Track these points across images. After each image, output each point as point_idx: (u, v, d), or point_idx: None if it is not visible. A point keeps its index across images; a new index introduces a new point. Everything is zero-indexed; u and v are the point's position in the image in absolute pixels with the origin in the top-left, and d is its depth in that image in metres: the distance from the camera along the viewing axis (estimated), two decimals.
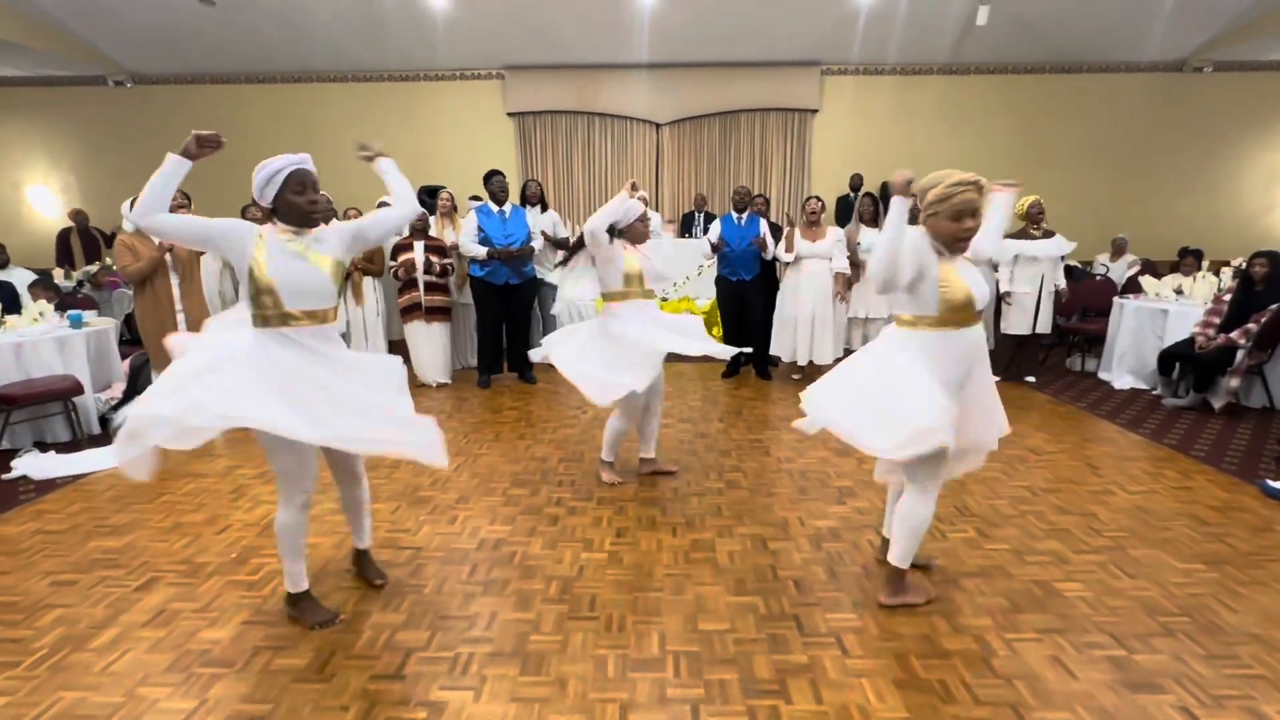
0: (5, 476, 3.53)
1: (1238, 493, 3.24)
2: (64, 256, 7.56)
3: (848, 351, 5.63)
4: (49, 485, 3.44)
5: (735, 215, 5.37)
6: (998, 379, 5.32)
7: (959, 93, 8.73)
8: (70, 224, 7.75)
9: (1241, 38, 7.92)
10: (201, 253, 4.23)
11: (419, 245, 5.19)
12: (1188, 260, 5.83)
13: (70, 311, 4.44)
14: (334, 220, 5.81)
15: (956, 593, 2.39)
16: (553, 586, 2.45)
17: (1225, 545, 2.73)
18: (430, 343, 5.33)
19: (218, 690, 1.92)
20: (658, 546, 2.75)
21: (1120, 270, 7.40)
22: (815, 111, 8.81)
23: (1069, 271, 6.85)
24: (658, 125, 8.90)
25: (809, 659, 2.04)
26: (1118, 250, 7.69)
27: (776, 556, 2.66)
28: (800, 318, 5.21)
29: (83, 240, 7.65)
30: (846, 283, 5.24)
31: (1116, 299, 5.58)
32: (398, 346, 5.64)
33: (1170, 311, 4.98)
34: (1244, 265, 4.55)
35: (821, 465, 3.63)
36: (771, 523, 2.96)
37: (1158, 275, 6.03)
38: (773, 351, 5.52)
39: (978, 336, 2.19)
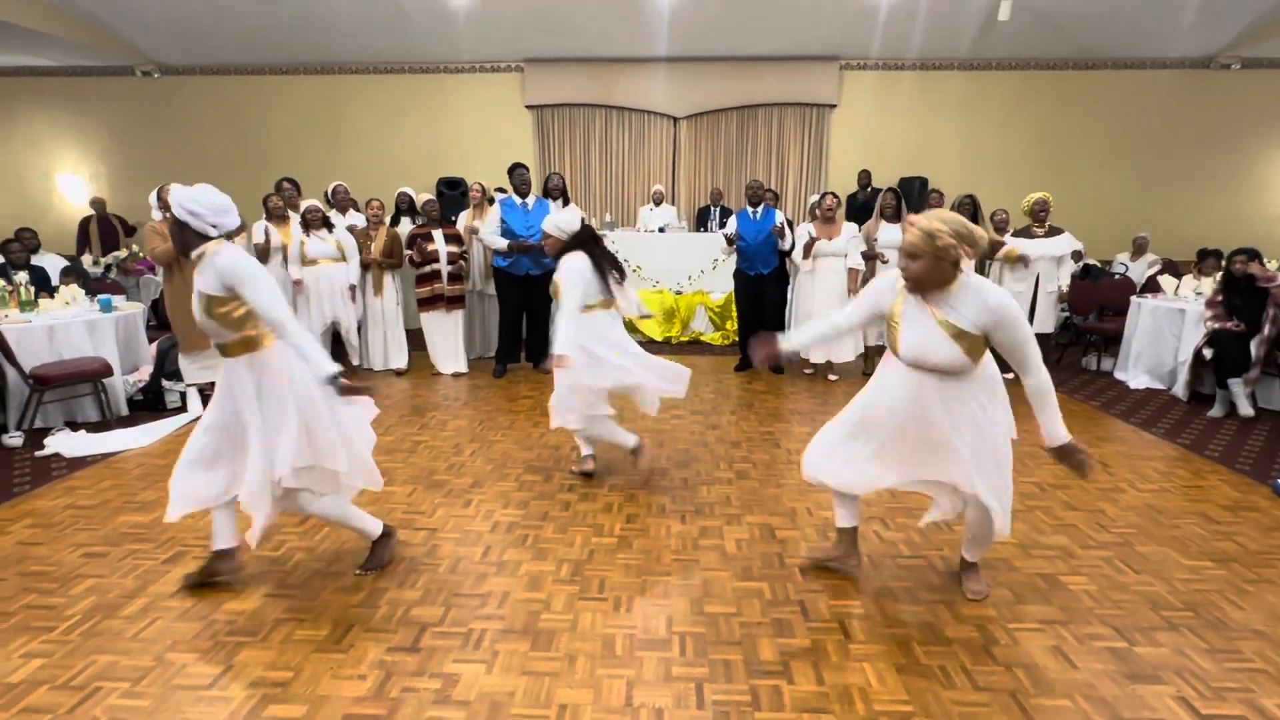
0: (38, 454, 3.66)
1: (1250, 493, 3.23)
2: (83, 243, 7.73)
3: (869, 349, 5.65)
4: (80, 462, 3.56)
5: (750, 210, 5.40)
6: (1009, 377, 5.37)
7: (980, 88, 8.65)
8: (91, 212, 7.94)
9: (1271, 34, 7.77)
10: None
11: (438, 234, 5.26)
12: (1208, 261, 5.74)
13: (100, 296, 4.57)
14: (350, 210, 5.95)
15: (960, 583, 2.42)
16: (564, 568, 2.51)
17: (1234, 544, 2.73)
18: (448, 332, 5.42)
19: (243, 657, 2.00)
20: (667, 533, 2.80)
21: (1140, 269, 7.32)
22: (833, 106, 8.78)
23: (1087, 270, 6.81)
24: (675, 119, 8.91)
25: (812, 642, 2.08)
26: (1139, 249, 7.60)
27: (784, 545, 2.70)
28: (817, 315, 5.23)
29: (101, 228, 7.83)
30: (859, 279, 5.26)
31: (1134, 298, 5.53)
32: (415, 336, 5.75)
33: (1187, 311, 4.93)
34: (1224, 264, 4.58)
35: None
36: (780, 512, 3.00)
37: (1179, 275, 5.97)
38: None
39: (920, 380, 2.10)
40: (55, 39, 7.63)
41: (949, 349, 2.01)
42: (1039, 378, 2.02)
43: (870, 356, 5.58)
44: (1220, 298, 4.61)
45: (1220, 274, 4.67)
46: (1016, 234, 5.34)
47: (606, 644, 2.08)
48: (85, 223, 7.88)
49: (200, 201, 2.11)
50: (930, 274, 1.97)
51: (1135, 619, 2.22)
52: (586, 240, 3.14)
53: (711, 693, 1.87)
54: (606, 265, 3.12)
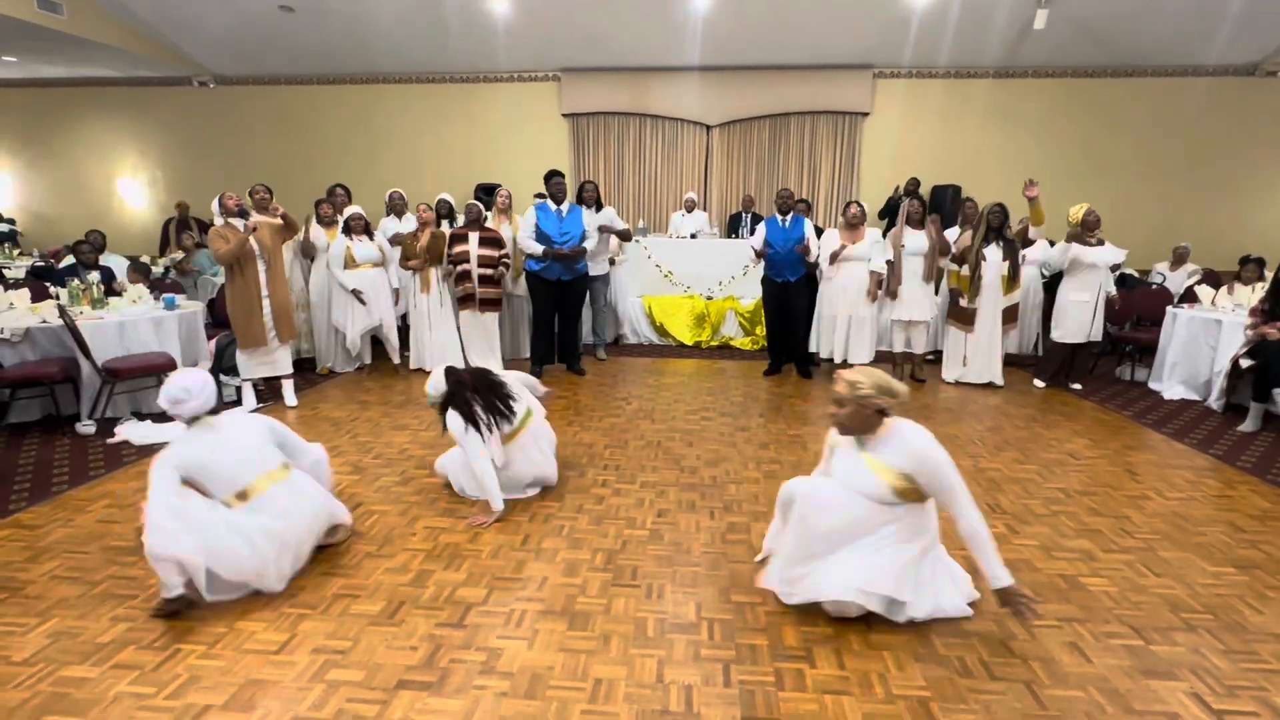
0: (109, 441, 3.93)
1: None
2: (166, 245, 8.19)
3: (884, 352, 5.72)
4: (147, 449, 3.82)
5: (779, 218, 5.50)
6: (1042, 385, 5.38)
7: (1015, 96, 8.62)
8: (174, 214, 8.39)
9: None
10: (284, 240, 4.61)
11: (473, 236, 5.44)
12: (1248, 268, 5.65)
13: (165, 295, 4.86)
14: (406, 215, 6.19)
15: (980, 581, 2.47)
16: (598, 557, 2.66)
17: (1260, 552, 2.76)
18: (482, 333, 5.59)
19: (305, 627, 2.18)
20: (696, 527, 2.93)
21: (1179, 279, 7.22)
22: (866, 115, 8.82)
23: (1123, 279, 6.75)
24: (708, 127, 9.05)
25: (834, 631, 2.19)
26: (1179, 259, 7.49)
27: None
28: (839, 317, 5.32)
29: (183, 230, 8.27)
30: (879, 282, 5.33)
31: (1170, 308, 5.49)
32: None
33: (1224, 322, 4.89)
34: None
35: None
36: None
37: (1218, 285, 5.89)
38: (812, 349, 5.64)
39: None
40: (120, 51, 8.08)
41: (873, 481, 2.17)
42: (969, 521, 2.08)
43: (899, 363, 5.63)
44: (1265, 306, 4.53)
45: (1271, 281, 4.56)
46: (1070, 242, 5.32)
47: (639, 626, 2.21)
48: (169, 224, 8.34)
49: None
50: (854, 420, 2.20)
51: (1153, 619, 2.27)
52: (454, 394, 2.97)
53: (738, 673, 1.99)
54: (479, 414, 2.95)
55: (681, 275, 7.21)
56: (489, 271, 5.44)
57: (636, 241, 7.21)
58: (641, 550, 2.72)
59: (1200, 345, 5.09)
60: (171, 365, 4.36)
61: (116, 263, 6.14)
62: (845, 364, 5.48)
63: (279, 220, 4.51)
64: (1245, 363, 4.45)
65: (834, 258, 5.26)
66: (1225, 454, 3.92)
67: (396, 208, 6.18)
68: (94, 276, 4.80)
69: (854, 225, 5.29)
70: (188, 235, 7.15)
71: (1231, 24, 7.43)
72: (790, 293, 5.53)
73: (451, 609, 2.29)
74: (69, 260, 6.18)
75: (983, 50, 8.14)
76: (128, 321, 4.44)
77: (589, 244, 5.57)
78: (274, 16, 7.85)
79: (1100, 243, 5.26)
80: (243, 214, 4.54)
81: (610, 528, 2.91)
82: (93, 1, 7.49)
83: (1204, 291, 5.53)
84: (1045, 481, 3.48)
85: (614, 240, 6.27)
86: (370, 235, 5.60)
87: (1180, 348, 5.23)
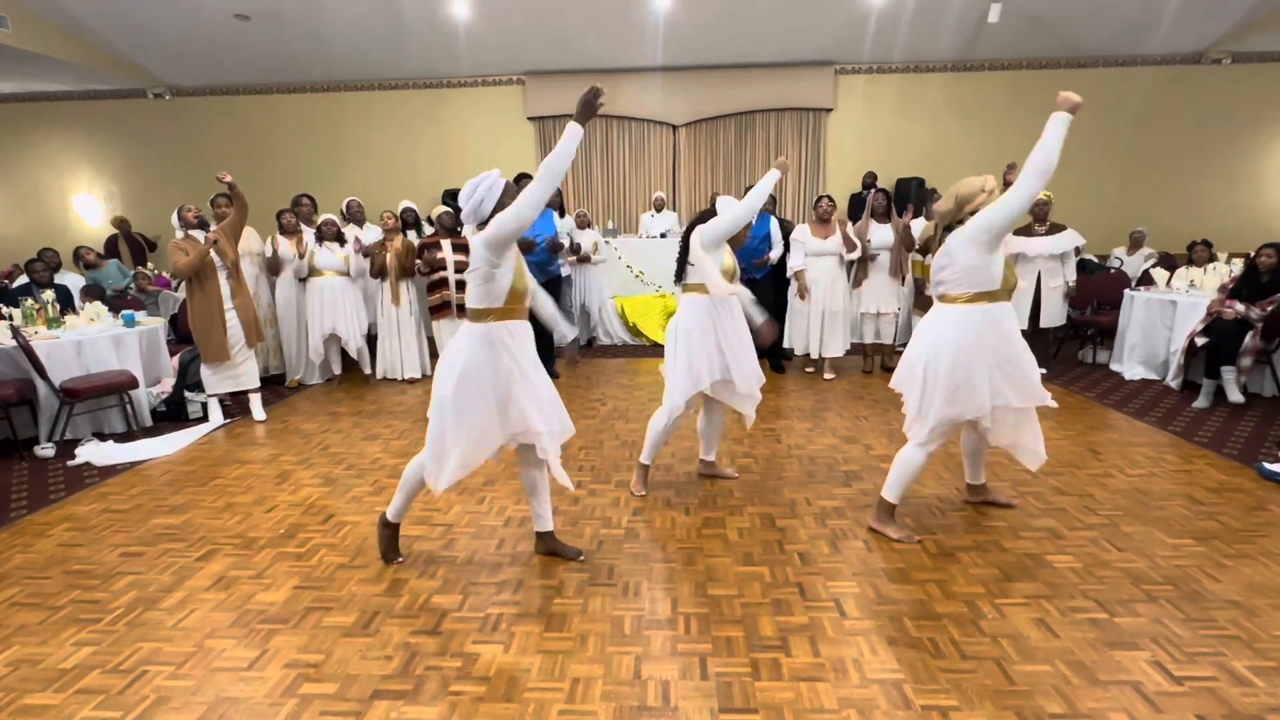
0: (70, 463, 3.83)
1: (1236, 475, 3.34)
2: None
3: (856, 344, 5.79)
4: (110, 470, 3.73)
5: None
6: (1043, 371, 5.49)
7: (973, 89, 8.79)
8: (115, 231, 8.16)
9: (1261, 28, 7.87)
10: (241, 224, 4.49)
11: (446, 244, 5.41)
12: (1198, 250, 5.86)
13: (124, 311, 4.75)
14: (365, 224, 6.13)
15: (951, 564, 2.54)
16: None
17: (1217, 523, 2.85)
18: None
19: (276, 642, 2.14)
20: (671, 524, 2.94)
21: (1136, 263, 7.42)
22: (829, 110, 8.93)
23: (1083, 265, 6.92)
24: (674, 127, 9.08)
25: (809, 620, 2.21)
26: (1135, 243, 7.70)
27: (783, 533, 2.83)
28: (811, 312, 5.37)
29: (130, 245, 8.07)
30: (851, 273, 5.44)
31: (1127, 291, 5.64)
32: (429, 343, 5.89)
33: (1179, 303, 5.04)
34: (1252, 255, 4.61)
35: (830, 451, 3.80)
36: (780, 503, 3.13)
37: (1173, 268, 6.07)
38: (785, 344, 5.68)
39: None
40: (69, 64, 7.86)
41: None
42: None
43: (870, 354, 5.71)
44: (1233, 285, 4.65)
45: (1244, 265, 4.67)
46: (1018, 233, 5.44)
47: (615, 624, 2.21)
48: (112, 241, 8.13)
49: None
50: None
51: (1116, 593, 2.34)
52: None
53: (714, 666, 2.00)
54: None
55: (653, 275, 7.23)
56: (463, 277, 5.41)
57: (607, 243, 7.21)
58: (617, 549, 2.72)
59: (1157, 326, 5.24)
60: (133, 383, 4.26)
61: (71, 281, 5.97)
62: (820, 358, 5.53)
63: (233, 195, 4.36)
64: (1200, 340, 4.59)
65: (802, 295, 5.37)
66: (1183, 430, 4.04)
67: (355, 216, 6.11)
68: (49, 295, 4.67)
69: (824, 219, 5.35)
70: (87, 251, 6.97)
71: (1176, 14, 7.66)
72: (758, 289, 5.55)
73: (426, 616, 2.27)
74: (22, 279, 6.01)
75: (939, 45, 8.29)
76: (85, 340, 4.33)
77: (563, 241, 5.57)
78: (230, 25, 7.70)
79: (1058, 229, 5.38)
80: (203, 225, 4.46)
81: (586, 528, 2.91)
82: (39, 14, 7.28)
83: (1159, 274, 5.69)
84: (1012, 463, 3.53)
85: (586, 241, 6.29)
86: (342, 242, 5.52)
87: (1139, 329, 5.38)
